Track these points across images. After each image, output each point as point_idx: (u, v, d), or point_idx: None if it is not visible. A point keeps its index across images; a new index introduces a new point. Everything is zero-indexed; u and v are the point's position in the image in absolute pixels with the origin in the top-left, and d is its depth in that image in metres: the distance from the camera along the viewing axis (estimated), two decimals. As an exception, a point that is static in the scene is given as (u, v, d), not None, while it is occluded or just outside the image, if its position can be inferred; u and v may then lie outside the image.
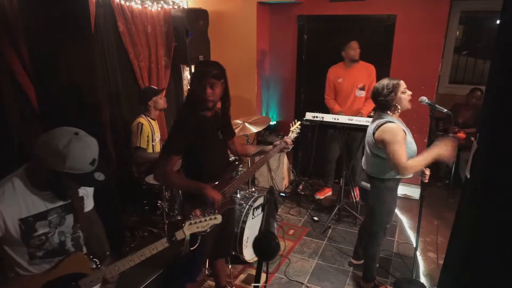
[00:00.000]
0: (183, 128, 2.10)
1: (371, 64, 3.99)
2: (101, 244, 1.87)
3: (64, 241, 1.65)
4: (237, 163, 2.40)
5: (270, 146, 2.57)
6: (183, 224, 1.84)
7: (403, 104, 2.49)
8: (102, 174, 1.50)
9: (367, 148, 2.65)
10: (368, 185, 2.65)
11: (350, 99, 4.05)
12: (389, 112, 2.52)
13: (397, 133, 2.38)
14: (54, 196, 1.56)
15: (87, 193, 1.76)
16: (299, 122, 2.74)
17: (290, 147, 2.60)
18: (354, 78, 3.98)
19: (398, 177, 2.56)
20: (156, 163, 2.17)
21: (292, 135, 2.68)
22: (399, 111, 2.52)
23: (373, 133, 2.49)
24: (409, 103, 2.50)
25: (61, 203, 1.61)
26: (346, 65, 4.00)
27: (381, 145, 2.44)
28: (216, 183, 2.22)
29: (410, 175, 2.44)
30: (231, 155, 2.56)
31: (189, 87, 2.23)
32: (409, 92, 2.50)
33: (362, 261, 3.23)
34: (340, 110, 4.05)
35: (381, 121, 2.48)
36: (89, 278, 1.64)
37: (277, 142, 2.57)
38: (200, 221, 1.86)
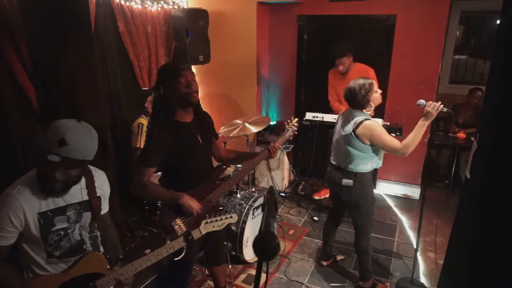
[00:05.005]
0: (158, 138, 2.01)
1: (370, 66, 3.88)
2: (115, 248, 1.87)
3: (83, 240, 1.67)
4: (224, 167, 2.31)
5: (255, 153, 2.44)
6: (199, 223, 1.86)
7: (376, 102, 2.68)
8: (58, 158, 1.40)
9: (342, 146, 2.70)
10: (351, 181, 2.70)
11: (345, 104, 4.02)
12: (363, 110, 2.67)
13: (378, 126, 2.55)
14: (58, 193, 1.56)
15: (104, 194, 1.77)
16: (296, 119, 2.56)
17: (276, 155, 2.36)
18: (346, 84, 3.91)
19: (374, 167, 2.72)
20: (132, 176, 2.10)
21: (288, 133, 2.48)
22: (373, 108, 2.70)
23: (354, 130, 2.59)
24: (380, 99, 2.70)
25: (80, 199, 1.64)
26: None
27: (368, 141, 2.56)
28: (193, 192, 2.10)
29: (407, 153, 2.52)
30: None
31: (155, 95, 2.10)
32: (380, 91, 2.68)
33: (331, 260, 3.29)
34: None
35: (358, 119, 2.60)
36: (106, 278, 1.65)
37: (263, 150, 2.36)
38: (217, 220, 1.88)
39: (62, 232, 1.59)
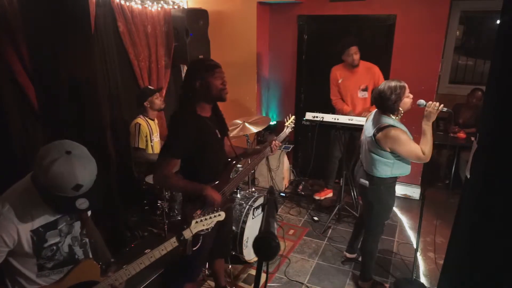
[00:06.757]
0: (183, 131, 2.07)
1: (374, 64, 3.95)
2: (102, 251, 1.84)
3: (74, 250, 1.63)
4: (234, 162, 2.38)
5: (258, 148, 2.56)
6: (189, 223, 1.86)
7: (406, 107, 2.51)
8: (86, 202, 1.38)
9: (365, 147, 2.65)
10: (367, 182, 2.66)
11: (353, 100, 4.03)
12: (391, 115, 2.52)
13: (400, 135, 2.41)
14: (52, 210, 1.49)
15: None
16: (293, 117, 2.72)
17: (275, 151, 2.49)
18: (355, 79, 3.94)
19: (396, 175, 2.58)
20: (155, 167, 2.13)
21: (287, 130, 2.67)
22: (402, 114, 2.54)
23: (374, 135, 2.49)
24: (410, 104, 2.53)
25: None
26: (348, 66, 3.95)
27: (389, 149, 2.46)
28: (216, 182, 2.21)
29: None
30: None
31: (184, 89, 2.15)
32: (411, 96, 2.50)
33: (355, 255, 3.28)
34: (351, 110, 4.01)
35: (382, 124, 2.47)
36: (101, 285, 1.62)
37: (265, 146, 2.48)
38: (206, 219, 1.88)
39: (54, 247, 1.53)
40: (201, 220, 1.87)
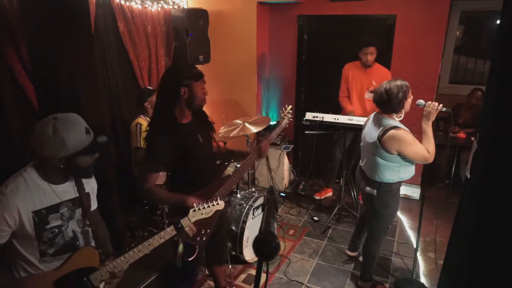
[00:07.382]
0: (161, 144, 2.00)
1: (386, 68, 3.92)
2: (104, 244, 1.88)
3: (76, 236, 1.68)
4: (226, 164, 2.33)
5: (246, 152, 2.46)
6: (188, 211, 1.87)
7: (407, 108, 2.49)
8: (104, 136, 1.58)
9: (368, 153, 2.58)
10: (374, 190, 2.60)
11: (360, 100, 4.01)
12: (394, 115, 2.49)
13: (406, 136, 2.38)
14: (74, 184, 1.65)
15: (92, 190, 1.79)
16: (290, 106, 2.67)
17: (266, 154, 2.44)
18: (366, 80, 3.89)
19: (403, 178, 2.56)
20: (137, 180, 2.10)
21: (284, 122, 2.62)
22: (403, 115, 2.51)
23: (379, 138, 2.43)
24: (410, 106, 2.51)
25: (72, 196, 1.66)
26: (362, 65, 3.89)
27: (396, 151, 2.41)
28: (200, 192, 2.10)
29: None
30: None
31: (163, 94, 2.06)
32: (412, 97, 2.49)
33: (356, 253, 3.28)
34: (352, 110, 4.00)
35: (386, 126, 2.42)
36: (99, 272, 1.66)
37: (253, 151, 2.39)
38: (204, 207, 1.88)
39: (56, 230, 1.59)
40: (199, 209, 1.85)
